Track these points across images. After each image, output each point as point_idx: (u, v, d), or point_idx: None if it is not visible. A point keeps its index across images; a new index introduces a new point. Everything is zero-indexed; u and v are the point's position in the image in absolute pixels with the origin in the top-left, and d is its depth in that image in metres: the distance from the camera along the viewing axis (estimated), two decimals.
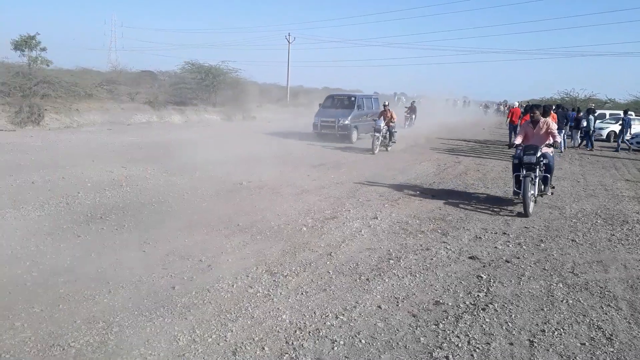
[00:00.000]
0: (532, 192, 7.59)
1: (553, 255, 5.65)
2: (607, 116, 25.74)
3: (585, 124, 19.49)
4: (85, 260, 4.80)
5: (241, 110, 27.81)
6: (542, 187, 8.12)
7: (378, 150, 15.15)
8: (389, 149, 16.07)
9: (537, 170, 7.72)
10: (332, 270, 4.88)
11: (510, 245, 5.96)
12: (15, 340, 3.26)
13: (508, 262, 5.34)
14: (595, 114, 20.36)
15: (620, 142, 19.64)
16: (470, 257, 5.44)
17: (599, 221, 7.37)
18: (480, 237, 6.25)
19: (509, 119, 19.72)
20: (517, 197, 8.18)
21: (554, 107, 19.36)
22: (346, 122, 17.27)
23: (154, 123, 22.14)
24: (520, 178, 7.66)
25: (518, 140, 8.23)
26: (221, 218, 6.57)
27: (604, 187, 10.51)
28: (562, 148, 17.56)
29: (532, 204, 7.64)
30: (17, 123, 17.05)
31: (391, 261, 5.20)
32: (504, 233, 6.48)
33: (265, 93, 33.47)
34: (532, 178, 7.55)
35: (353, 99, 18.58)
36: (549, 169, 8.05)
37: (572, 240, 6.27)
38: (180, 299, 4.03)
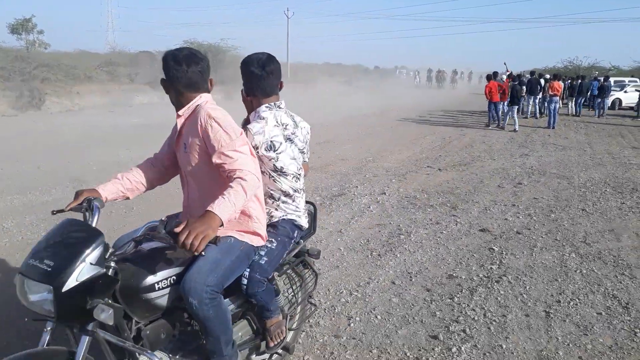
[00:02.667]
0: None
1: (564, 225, 5.63)
2: (612, 83, 25.42)
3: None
4: None
5: (239, 88, 27.56)
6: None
7: None
8: None
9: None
10: (344, 247, 4.87)
11: (521, 217, 5.93)
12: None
13: (519, 233, 5.32)
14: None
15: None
16: (480, 230, 5.42)
17: (608, 190, 7.32)
18: (489, 209, 6.22)
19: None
20: None
21: (511, 74, 19.27)
22: None
23: (156, 104, 21.96)
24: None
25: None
26: None
27: (611, 156, 10.43)
28: (537, 114, 18.51)
29: None
30: (19, 108, 17.00)
31: (402, 236, 5.18)
32: (513, 205, 6.44)
33: None
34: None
35: None
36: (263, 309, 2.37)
37: (583, 210, 6.24)
38: None
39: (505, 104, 15.51)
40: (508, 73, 19.44)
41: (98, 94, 20.43)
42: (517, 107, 15.37)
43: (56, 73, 19.38)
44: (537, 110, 18.79)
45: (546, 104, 16.86)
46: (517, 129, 14.58)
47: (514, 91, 15.01)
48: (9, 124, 13.76)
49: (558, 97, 16.30)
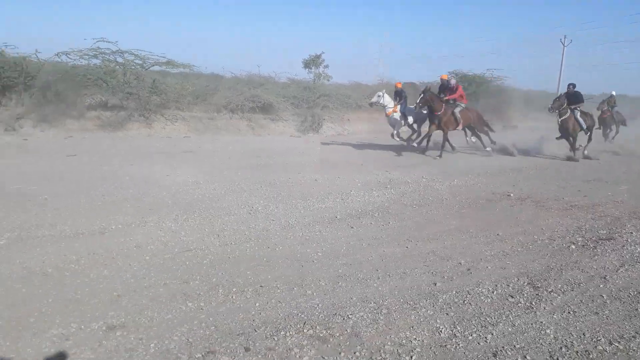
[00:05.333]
0: None
1: None
2: None
3: None
4: (357, 248, 5.46)
5: (502, 118, 26.80)
6: None
7: None
8: None
9: None
10: (607, 294, 4.41)
11: None
12: (307, 304, 3.98)
13: None
14: None
15: None
16: None
17: None
18: None
19: None
20: None
21: None
22: None
23: None
24: None
25: None
26: (480, 226, 6.56)
27: None
28: None
29: None
30: (302, 131, 20.22)
31: None
32: None
33: (531, 100, 31.42)
34: None
35: None
36: None
37: None
38: (441, 295, 4.25)
39: None
40: None
41: (365, 121, 22.62)
42: None
43: (333, 102, 22.28)
44: None
45: None
46: None
47: None
48: (293, 143, 16.43)
49: None
